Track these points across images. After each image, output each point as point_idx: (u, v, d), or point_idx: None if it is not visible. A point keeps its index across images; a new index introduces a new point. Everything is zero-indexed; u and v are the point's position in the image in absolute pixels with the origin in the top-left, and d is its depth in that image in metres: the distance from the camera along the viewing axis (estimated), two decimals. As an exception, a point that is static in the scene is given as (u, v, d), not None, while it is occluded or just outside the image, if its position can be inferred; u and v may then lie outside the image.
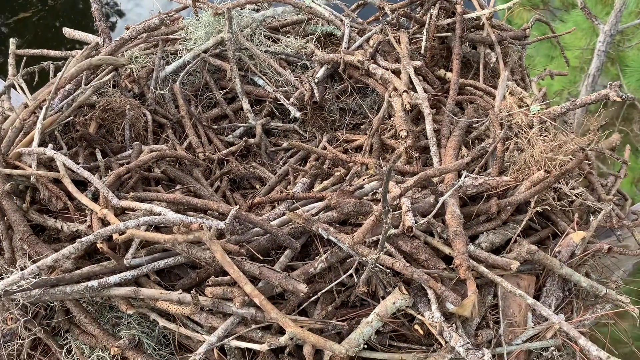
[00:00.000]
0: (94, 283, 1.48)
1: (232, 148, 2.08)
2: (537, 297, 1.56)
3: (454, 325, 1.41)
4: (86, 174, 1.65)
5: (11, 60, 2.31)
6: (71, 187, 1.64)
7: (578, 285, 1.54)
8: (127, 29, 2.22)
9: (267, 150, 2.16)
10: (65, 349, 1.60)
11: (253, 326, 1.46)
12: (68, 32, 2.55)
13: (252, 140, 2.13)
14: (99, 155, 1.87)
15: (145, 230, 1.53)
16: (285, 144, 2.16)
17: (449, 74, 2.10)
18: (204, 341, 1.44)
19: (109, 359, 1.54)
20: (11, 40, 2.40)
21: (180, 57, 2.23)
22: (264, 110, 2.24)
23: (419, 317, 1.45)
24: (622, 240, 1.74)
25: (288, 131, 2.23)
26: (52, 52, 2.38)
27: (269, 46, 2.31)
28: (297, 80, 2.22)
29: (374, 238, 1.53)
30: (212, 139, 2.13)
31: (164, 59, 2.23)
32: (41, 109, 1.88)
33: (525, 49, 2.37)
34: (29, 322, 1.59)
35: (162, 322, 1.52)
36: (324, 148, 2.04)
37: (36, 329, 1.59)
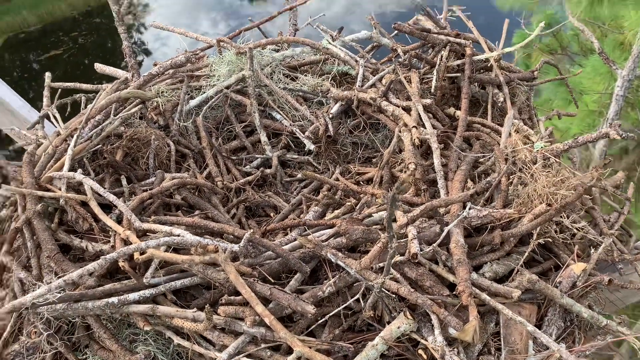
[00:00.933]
0: (114, 300, 1.57)
1: (249, 178, 2.18)
2: (538, 326, 1.60)
3: (455, 350, 1.46)
4: (111, 197, 1.76)
5: (46, 92, 2.47)
6: (97, 210, 1.75)
7: (579, 315, 1.58)
8: (155, 65, 2.36)
9: (282, 180, 2.26)
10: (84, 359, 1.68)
11: (263, 345, 1.53)
12: (99, 67, 2.72)
13: (268, 171, 2.23)
14: (124, 182, 1.98)
15: (165, 252, 1.62)
16: (299, 175, 2.26)
17: (458, 112, 2.19)
18: (215, 358, 1.51)
19: (126, 373, 1.61)
20: (47, 74, 2.56)
21: (204, 92, 2.36)
22: (280, 143, 2.35)
23: (423, 341, 1.51)
24: (623, 274, 1.78)
25: (303, 163, 2.33)
26: (84, 86, 2.53)
27: (288, 83, 2.44)
28: (312, 115, 2.33)
29: (381, 264, 1.60)
30: (230, 168, 2.23)
31: (189, 94, 2.36)
32: (72, 137, 2.01)
33: (533, 89, 2.45)
34: (51, 337, 1.67)
35: (177, 340, 1.59)
36: (336, 179, 2.13)
37: (58, 344, 1.67)
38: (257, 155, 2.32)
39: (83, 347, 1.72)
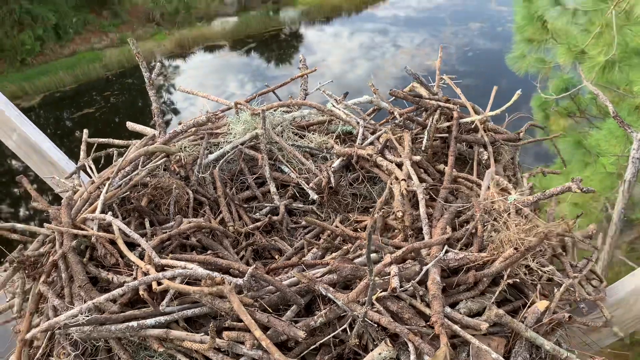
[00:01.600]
0: (134, 324, 1.81)
1: (258, 223, 2.44)
2: (506, 358, 1.78)
3: (428, 373, 1.65)
4: (136, 236, 2.03)
5: (83, 147, 2.80)
6: (123, 247, 2.01)
7: (542, 348, 1.77)
8: (180, 124, 2.68)
9: (287, 226, 2.51)
10: (105, 382, 1.90)
11: (260, 367, 1.74)
12: (130, 125, 3.06)
13: (275, 218, 2.49)
14: (147, 224, 2.25)
15: (179, 284, 1.87)
16: (303, 222, 2.51)
17: (447, 168, 2.44)
18: (218, 377, 1.72)
19: (140, 391, 1.83)
20: (84, 130, 2.91)
21: (221, 147, 2.67)
22: (287, 193, 2.62)
23: (401, 366, 1.70)
24: (585, 314, 1.96)
25: (307, 211, 2.59)
26: (116, 141, 2.86)
27: (296, 140, 2.74)
28: (317, 169, 2.61)
29: (367, 299, 1.82)
30: (242, 215, 2.50)
31: (208, 149, 2.67)
32: (104, 185, 2.32)
33: (519, 149, 2.70)
34: (77, 357, 1.91)
35: (186, 361, 1.82)
36: (336, 226, 2.38)
37: (83, 364, 1.91)
38: (266, 204, 2.59)
39: (104, 368, 1.95)
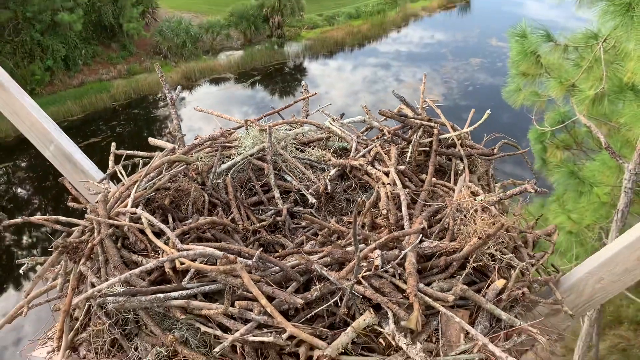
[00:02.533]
0: (160, 295, 2.18)
1: (264, 223, 2.82)
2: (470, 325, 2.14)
3: (403, 333, 2.01)
4: (162, 226, 2.41)
5: (111, 157, 3.20)
6: (151, 235, 2.40)
7: (500, 318, 2.13)
8: (196, 138, 3.09)
9: (289, 227, 2.89)
10: (133, 347, 2.26)
11: (265, 330, 2.10)
12: (152, 140, 3.46)
13: (279, 218, 2.87)
14: (169, 219, 2.64)
15: (199, 264, 2.24)
16: (303, 223, 2.89)
17: (427, 176, 2.84)
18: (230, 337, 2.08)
19: (164, 352, 2.19)
20: (112, 144, 3.32)
21: (233, 158, 3.07)
22: (290, 199, 3.00)
23: (382, 330, 2.06)
24: (536, 291, 2.32)
25: (306, 214, 2.97)
26: (141, 153, 3.26)
27: (298, 154, 3.14)
28: (315, 177, 3.00)
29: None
30: (250, 216, 2.88)
31: (221, 160, 3.07)
32: (133, 187, 2.71)
33: (493, 162, 3.09)
34: (111, 326, 2.27)
35: (203, 328, 2.17)
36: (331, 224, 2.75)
37: (115, 332, 2.27)
38: (271, 207, 2.98)
39: (133, 336, 2.30)
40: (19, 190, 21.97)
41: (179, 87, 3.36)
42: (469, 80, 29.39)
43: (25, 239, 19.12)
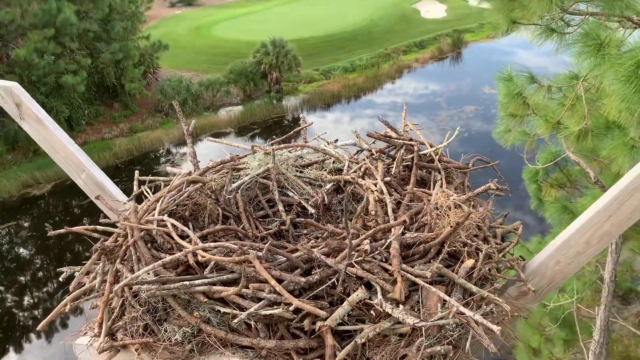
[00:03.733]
0: (186, 282, 2.60)
1: (270, 230, 3.26)
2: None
3: (389, 302, 2.43)
4: (184, 228, 2.86)
5: (135, 182, 3.68)
6: (176, 237, 2.84)
7: (471, 291, 2.55)
8: (211, 161, 3.57)
9: (293, 235, 3.33)
10: (163, 329, 2.66)
11: (275, 307, 2.51)
12: (169, 169, 3.95)
13: (283, 227, 3.31)
14: (190, 226, 3.08)
15: (218, 257, 2.67)
16: (305, 231, 3.33)
17: (410, 184, 3.30)
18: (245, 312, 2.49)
19: (190, 331, 2.59)
20: (136, 171, 3.79)
21: (242, 178, 3.54)
22: (292, 211, 3.45)
23: (372, 302, 2.47)
24: (502, 269, 2.75)
25: (307, 224, 3.41)
26: (162, 178, 3.73)
27: (298, 173, 3.61)
28: (314, 192, 3.46)
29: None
30: (258, 226, 3.33)
31: (232, 180, 3.54)
32: (158, 201, 3.17)
33: (468, 174, 3.56)
34: (143, 313, 2.68)
35: (223, 309, 2.58)
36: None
37: (147, 318, 2.68)
38: (276, 219, 3.42)
39: (162, 321, 2.70)
40: (21, 250, 22.37)
41: (193, 121, 3.87)
42: (464, 127, 30.22)
43: (26, 300, 19.44)
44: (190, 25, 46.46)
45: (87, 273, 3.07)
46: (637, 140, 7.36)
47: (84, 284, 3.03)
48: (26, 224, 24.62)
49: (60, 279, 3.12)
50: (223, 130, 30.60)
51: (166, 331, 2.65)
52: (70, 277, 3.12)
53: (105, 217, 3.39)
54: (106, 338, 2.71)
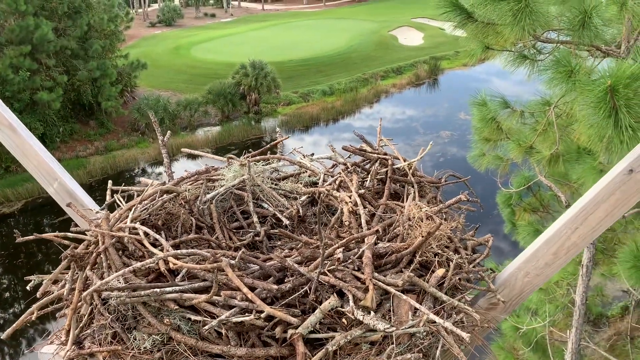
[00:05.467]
0: (157, 290, 2.57)
1: (244, 241, 3.25)
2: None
3: (360, 310, 2.43)
4: (156, 236, 2.84)
5: (108, 192, 3.64)
6: (147, 244, 2.81)
7: (441, 300, 2.57)
8: (186, 171, 3.56)
9: (267, 246, 3.32)
10: (132, 337, 2.61)
11: (246, 314, 2.50)
12: (143, 180, 3.92)
13: (257, 238, 3.31)
14: (162, 236, 3.06)
15: (189, 264, 2.65)
16: (279, 242, 3.33)
17: (383, 197, 3.33)
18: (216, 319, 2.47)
19: (160, 339, 2.55)
20: (109, 181, 3.76)
21: (216, 189, 3.53)
22: (267, 223, 3.45)
23: (344, 310, 2.48)
24: (474, 283, 2.78)
25: (281, 235, 3.41)
26: (135, 187, 3.71)
27: (274, 185, 3.62)
28: (289, 204, 3.47)
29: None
30: (231, 236, 3.32)
31: (206, 190, 3.53)
32: (131, 209, 3.14)
33: (440, 189, 3.61)
34: (112, 321, 2.64)
35: (194, 317, 2.56)
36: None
37: (116, 325, 2.63)
38: (250, 230, 3.42)
39: (132, 329, 2.66)
40: (-12, 269, 21.85)
41: (169, 132, 3.87)
42: (440, 152, 30.64)
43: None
44: (169, 45, 46.54)
45: (55, 281, 3.02)
46: (606, 165, 7.56)
47: (52, 292, 2.97)
48: (-8, 243, 24.04)
49: (28, 287, 3.05)
50: (200, 150, 30.48)
51: (135, 339, 2.61)
52: (38, 286, 3.06)
53: (76, 226, 3.34)
54: (73, 346, 2.66)
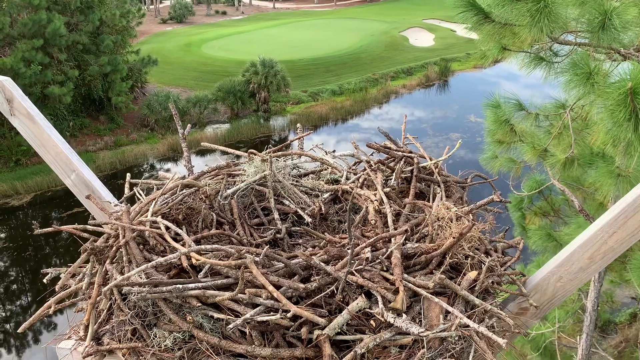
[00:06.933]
0: (179, 286, 2.49)
1: (265, 238, 3.17)
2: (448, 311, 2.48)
3: (390, 312, 2.35)
4: (178, 230, 2.76)
5: (127, 185, 3.57)
6: (168, 238, 2.74)
7: (473, 304, 2.48)
8: (207, 166, 3.49)
9: (288, 244, 3.24)
10: (152, 334, 2.54)
11: (272, 313, 2.42)
12: (162, 174, 3.85)
13: (278, 236, 3.22)
14: (184, 229, 2.98)
15: (212, 260, 2.58)
16: (300, 240, 3.25)
17: (410, 196, 3.25)
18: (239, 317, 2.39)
19: (181, 337, 2.47)
20: (127, 174, 3.69)
21: (237, 184, 3.46)
22: (288, 220, 3.37)
23: (372, 311, 2.39)
24: (502, 285, 2.68)
25: (303, 233, 3.33)
26: (155, 181, 3.64)
27: (296, 182, 3.54)
28: (311, 201, 3.39)
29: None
30: (252, 233, 3.24)
31: (227, 185, 3.46)
32: (151, 203, 3.07)
33: (467, 189, 3.52)
34: (132, 317, 2.56)
35: (216, 315, 2.48)
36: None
37: (136, 322, 2.56)
38: (271, 227, 3.34)
39: (152, 326, 2.59)
40: (-4, 261, 21.94)
41: (189, 125, 3.79)
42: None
43: None
44: (180, 42, 46.58)
45: (74, 275, 2.95)
46: (623, 169, 7.44)
47: (70, 286, 2.90)
48: (2, 235, 24.10)
49: (45, 280, 2.99)
50: (209, 147, 30.43)
51: (155, 336, 2.53)
52: (55, 280, 2.99)
53: (94, 219, 3.28)
54: (92, 342, 2.58)
